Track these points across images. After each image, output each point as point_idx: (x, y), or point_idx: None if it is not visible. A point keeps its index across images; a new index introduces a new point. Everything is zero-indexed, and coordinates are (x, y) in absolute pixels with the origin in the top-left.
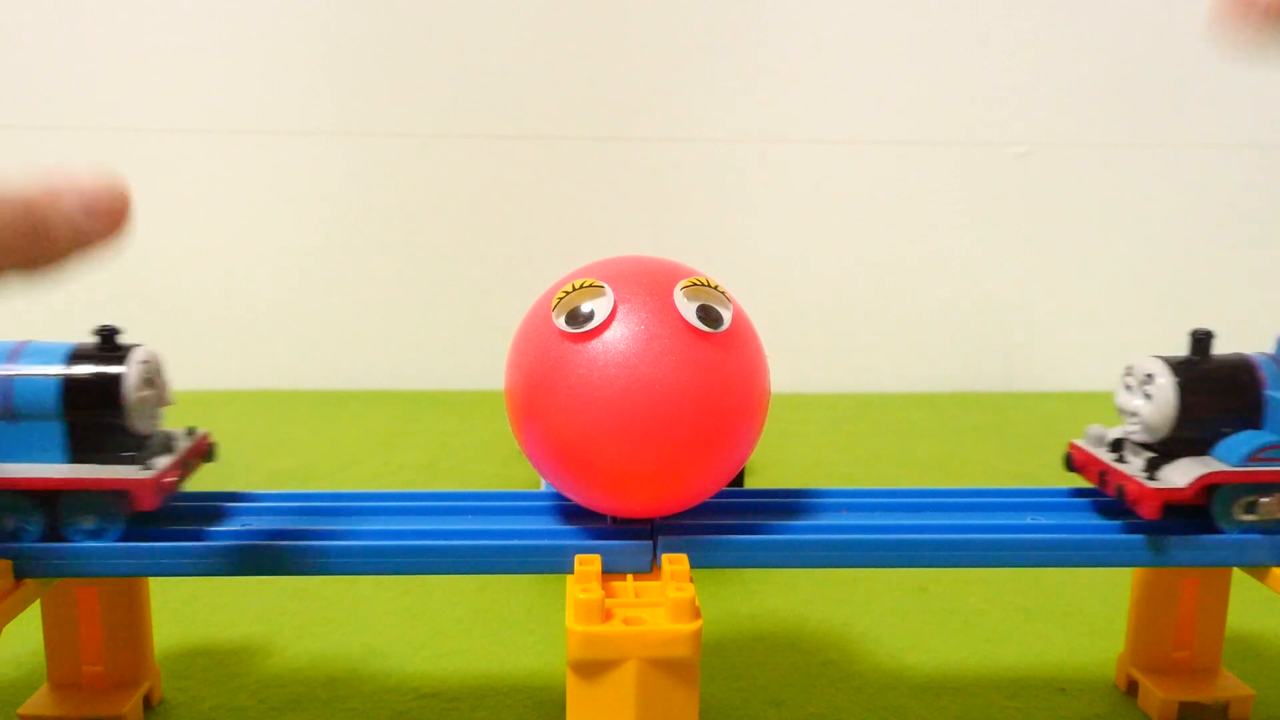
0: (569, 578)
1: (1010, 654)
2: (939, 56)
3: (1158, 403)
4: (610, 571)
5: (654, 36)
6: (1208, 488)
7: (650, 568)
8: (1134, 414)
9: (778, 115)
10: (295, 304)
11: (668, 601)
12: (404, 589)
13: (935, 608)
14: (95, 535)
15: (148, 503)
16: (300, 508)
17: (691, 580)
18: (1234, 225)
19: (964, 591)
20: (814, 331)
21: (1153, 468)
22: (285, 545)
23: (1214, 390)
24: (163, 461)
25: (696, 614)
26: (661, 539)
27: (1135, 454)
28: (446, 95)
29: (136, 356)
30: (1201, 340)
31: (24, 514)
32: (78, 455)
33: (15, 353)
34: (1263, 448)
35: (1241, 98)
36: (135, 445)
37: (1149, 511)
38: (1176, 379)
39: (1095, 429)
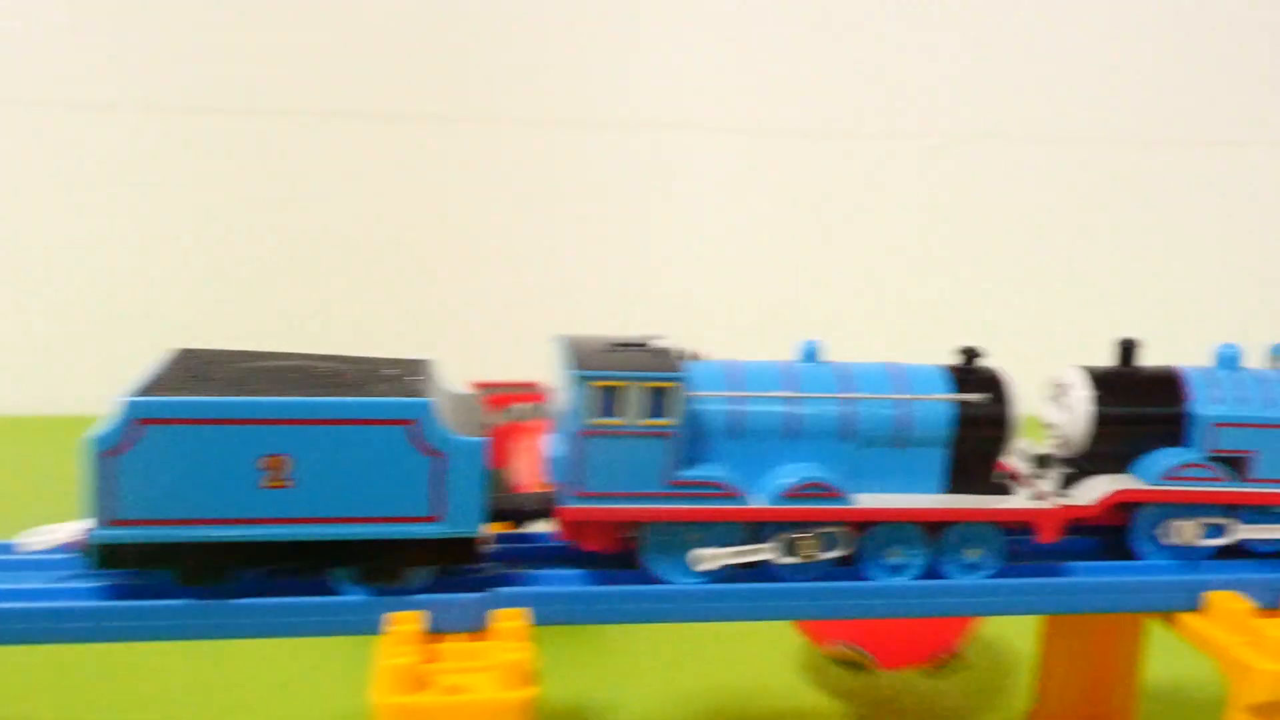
0: (380, 640)
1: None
2: (819, 41)
3: (1074, 416)
4: (439, 631)
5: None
6: (1129, 508)
7: (484, 625)
8: (1054, 427)
9: (649, 98)
10: None
11: (496, 665)
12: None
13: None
14: None
15: None
16: None
17: (530, 638)
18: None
19: None
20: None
21: (1067, 485)
22: None
23: (1135, 403)
24: None
25: (529, 679)
26: (501, 591)
27: (1056, 470)
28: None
29: None
30: (1127, 349)
31: None
32: None
33: None
34: (1181, 465)
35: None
36: None
37: (1049, 534)
38: (1093, 391)
39: (1021, 444)
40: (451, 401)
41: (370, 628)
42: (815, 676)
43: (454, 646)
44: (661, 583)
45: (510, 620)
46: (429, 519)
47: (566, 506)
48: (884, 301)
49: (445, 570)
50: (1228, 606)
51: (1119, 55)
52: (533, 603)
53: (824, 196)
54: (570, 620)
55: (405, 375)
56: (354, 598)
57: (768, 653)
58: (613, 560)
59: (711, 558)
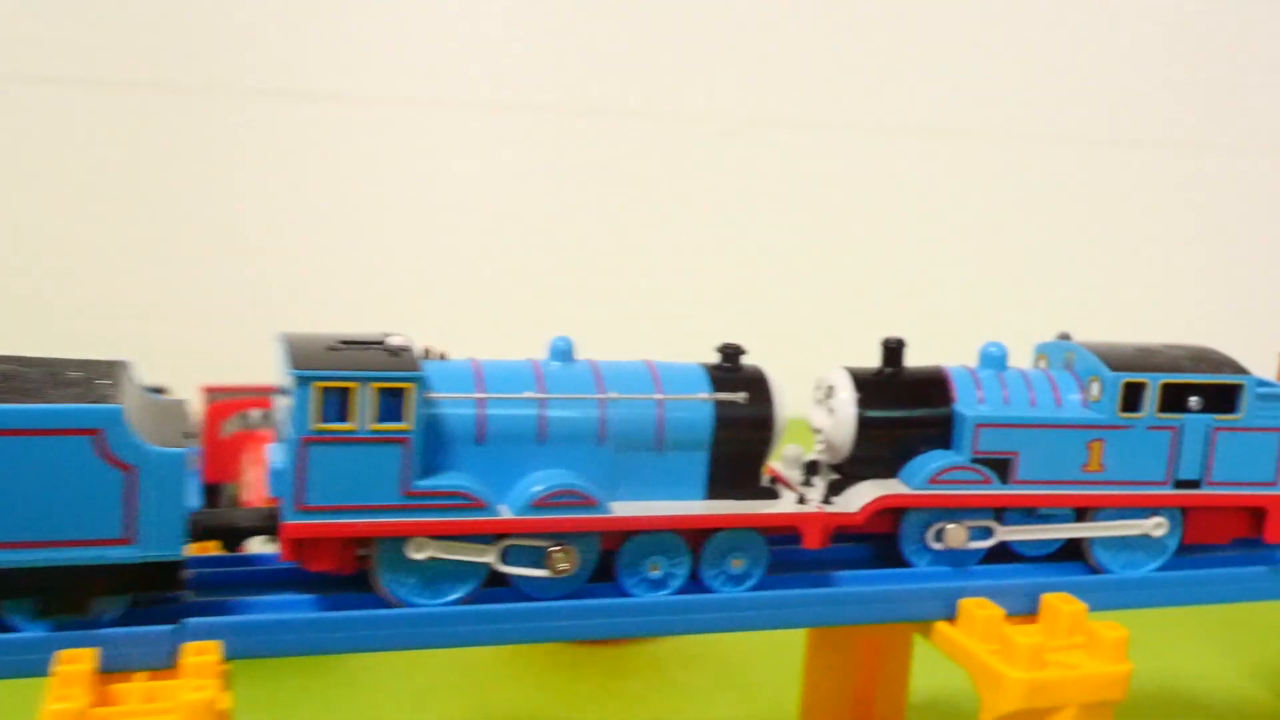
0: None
1: None
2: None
3: (839, 419)
4: (115, 670)
5: None
6: (896, 514)
7: (174, 661)
8: (820, 431)
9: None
10: None
11: (179, 707)
12: None
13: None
14: None
15: None
16: None
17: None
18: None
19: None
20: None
21: (833, 491)
22: None
23: (900, 405)
24: None
25: None
26: (190, 622)
27: (824, 476)
28: None
29: None
30: (893, 350)
31: None
32: None
33: None
34: (946, 469)
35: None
36: None
37: (813, 541)
38: (857, 393)
39: (791, 450)
40: (149, 408)
41: (43, 669)
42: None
43: (135, 687)
44: (397, 605)
45: (202, 655)
46: (120, 541)
47: (288, 522)
48: (646, 295)
49: (141, 600)
50: (979, 614)
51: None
52: (227, 634)
53: (581, 178)
54: (275, 652)
55: (93, 378)
56: (25, 634)
57: (540, 675)
58: (346, 582)
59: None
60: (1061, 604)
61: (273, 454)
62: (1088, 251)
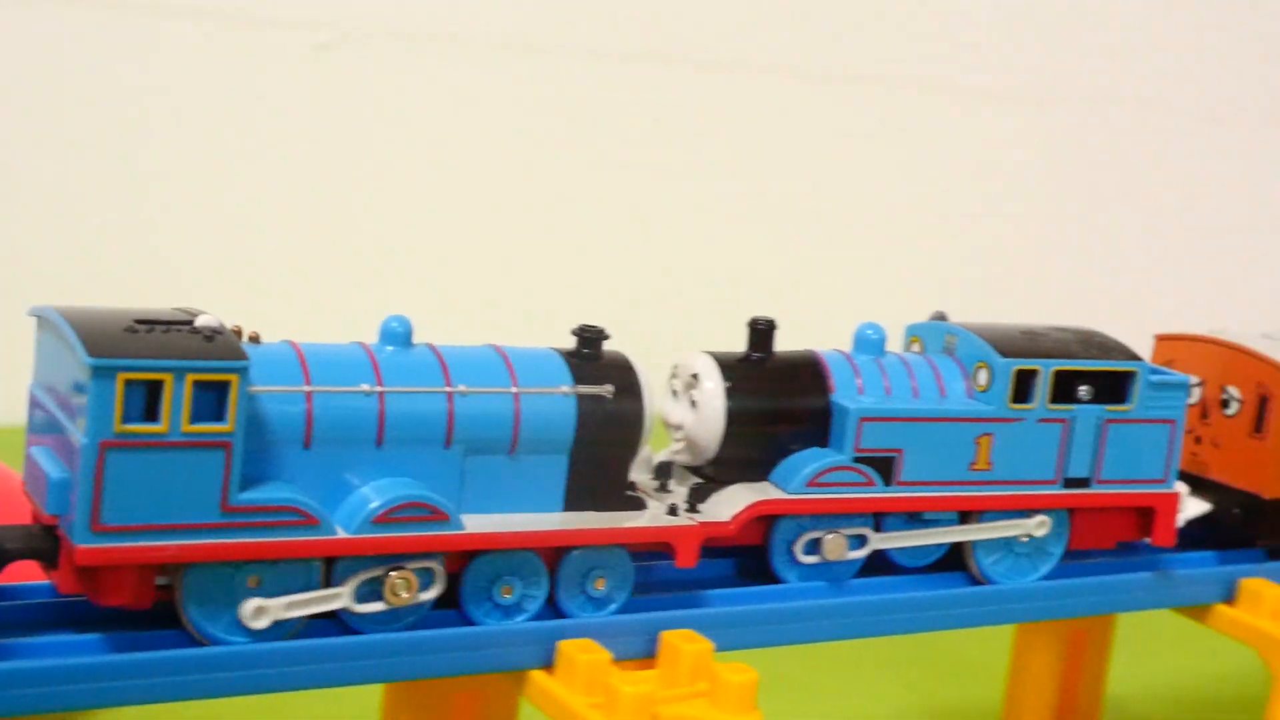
0: None
1: None
2: None
3: (704, 413)
4: None
5: None
6: (767, 523)
7: None
8: (679, 427)
9: None
10: None
11: None
12: None
13: None
14: None
15: None
16: None
17: None
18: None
19: None
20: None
21: (698, 497)
22: None
23: (773, 396)
24: None
25: None
26: None
27: (682, 480)
28: None
29: None
30: (762, 331)
31: None
32: None
33: None
34: (827, 469)
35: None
36: None
37: (688, 558)
38: (725, 382)
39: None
40: None
41: None
42: None
43: None
44: (207, 644)
45: None
46: None
47: (82, 546)
48: (482, 275)
49: None
50: (581, 659)
51: None
52: None
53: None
54: (41, 707)
55: None
56: None
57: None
58: (148, 618)
59: (261, 611)
60: (682, 643)
61: (43, 460)
62: (957, 226)
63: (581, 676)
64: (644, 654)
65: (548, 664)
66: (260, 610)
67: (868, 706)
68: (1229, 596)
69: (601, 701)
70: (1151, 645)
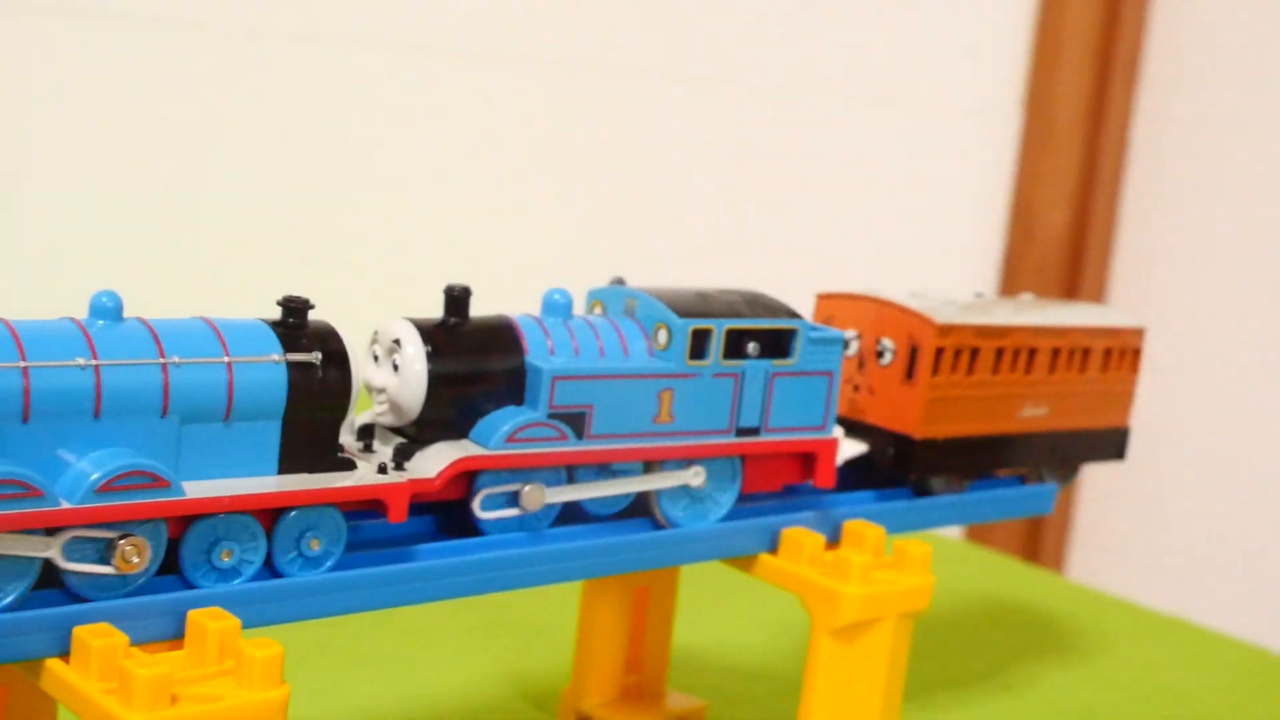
0: None
1: None
2: None
3: (406, 376)
4: None
5: None
6: (468, 479)
7: None
8: (382, 390)
9: None
10: None
11: None
12: None
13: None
14: None
15: None
16: None
17: None
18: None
19: None
20: None
21: (402, 456)
22: None
23: (471, 358)
24: None
25: None
26: None
27: (386, 441)
28: None
29: None
30: (458, 299)
31: None
32: None
33: None
34: (524, 425)
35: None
36: None
37: (396, 513)
38: (426, 346)
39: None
40: None
41: None
42: None
43: None
44: None
45: None
46: None
47: None
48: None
49: None
50: (96, 644)
51: None
52: None
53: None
54: None
55: None
56: None
57: None
58: None
59: None
60: (208, 621)
61: None
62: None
63: (97, 662)
64: (172, 636)
65: (64, 652)
66: None
67: (447, 676)
68: (773, 546)
69: (116, 686)
70: (716, 597)
